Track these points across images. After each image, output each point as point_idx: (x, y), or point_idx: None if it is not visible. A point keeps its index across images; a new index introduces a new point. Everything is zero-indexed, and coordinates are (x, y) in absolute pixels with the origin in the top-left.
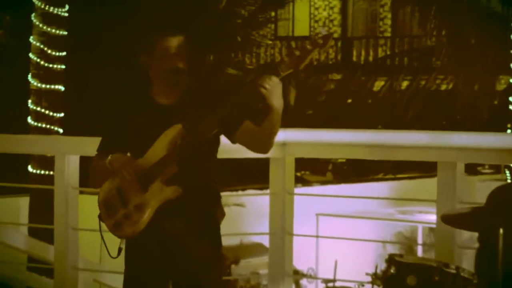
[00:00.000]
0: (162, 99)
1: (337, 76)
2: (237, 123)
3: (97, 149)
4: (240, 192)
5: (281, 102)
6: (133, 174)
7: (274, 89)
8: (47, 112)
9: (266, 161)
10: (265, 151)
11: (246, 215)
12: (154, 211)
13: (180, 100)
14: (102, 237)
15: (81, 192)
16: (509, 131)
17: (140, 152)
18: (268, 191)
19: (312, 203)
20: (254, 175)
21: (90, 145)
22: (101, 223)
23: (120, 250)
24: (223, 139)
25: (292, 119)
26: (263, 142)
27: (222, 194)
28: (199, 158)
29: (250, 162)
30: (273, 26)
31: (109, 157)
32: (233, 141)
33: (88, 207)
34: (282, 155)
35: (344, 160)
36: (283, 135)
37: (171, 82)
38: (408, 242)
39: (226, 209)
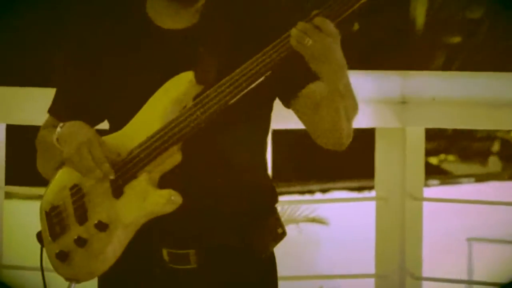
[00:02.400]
0: (166, 21)
1: None
2: (300, 79)
3: (49, 109)
4: (317, 197)
5: (339, 69)
6: (99, 163)
7: (322, 47)
8: None
9: (365, 138)
10: (334, 144)
11: (328, 239)
12: (135, 233)
13: (197, 24)
14: (43, 277)
15: (8, 196)
16: None
17: (119, 121)
18: (370, 194)
19: (460, 218)
20: (342, 164)
21: (30, 102)
22: (43, 249)
23: None
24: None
25: (416, 55)
26: (328, 129)
27: (282, 199)
28: (229, 137)
29: None
30: None
31: (58, 128)
32: (290, 107)
33: (19, 220)
34: (399, 123)
35: None
36: (400, 84)
37: None
38: None
39: (291, 228)
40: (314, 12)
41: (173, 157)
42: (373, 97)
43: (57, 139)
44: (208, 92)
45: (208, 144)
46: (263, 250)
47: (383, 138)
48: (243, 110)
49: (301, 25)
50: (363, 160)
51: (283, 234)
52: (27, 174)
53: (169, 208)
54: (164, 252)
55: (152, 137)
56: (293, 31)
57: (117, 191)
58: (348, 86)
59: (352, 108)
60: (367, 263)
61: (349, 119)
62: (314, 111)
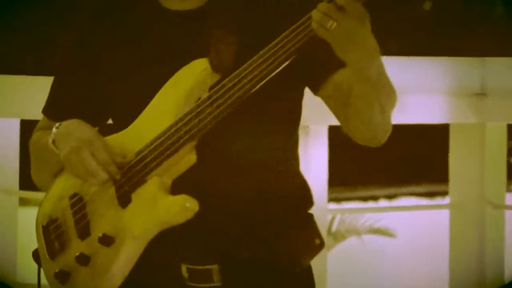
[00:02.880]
0: (174, 2)
1: None
2: (329, 63)
3: (43, 109)
4: (382, 204)
5: (368, 56)
6: (103, 165)
7: (348, 31)
8: None
9: (437, 136)
10: (369, 140)
11: (395, 253)
12: (146, 247)
13: (209, 2)
14: None
15: (23, 203)
16: None
17: (124, 118)
18: (443, 200)
19: None
20: (410, 166)
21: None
22: (40, 268)
23: None
24: None
25: (498, 38)
26: (361, 123)
27: (341, 207)
28: (252, 131)
29: (396, 135)
30: None
31: (54, 129)
32: (317, 93)
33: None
34: (477, 119)
35: None
36: (479, 72)
37: None
38: None
39: (352, 240)
40: None
41: (186, 158)
42: (447, 88)
43: (53, 141)
44: (224, 81)
45: (227, 141)
46: (296, 263)
47: (458, 135)
48: (266, 98)
49: (323, 6)
50: (435, 161)
51: (321, 245)
52: None
53: (183, 217)
54: (183, 268)
55: (162, 135)
56: (314, 13)
57: (124, 199)
58: (381, 74)
59: (388, 99)
60: (440, 280)
61: (385, 112)
62: (345, 102)
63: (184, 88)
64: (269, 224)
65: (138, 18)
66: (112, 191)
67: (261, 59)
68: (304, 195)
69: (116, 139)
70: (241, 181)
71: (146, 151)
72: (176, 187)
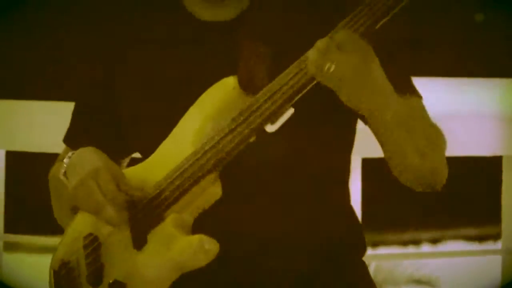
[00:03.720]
0: (206, 12)
1: None
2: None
3: (64, 137)
4: (425, 250)
5: (378, 98)
6: (109, 198)
7: (349, 72)
8: None
9: (489, 170)
10: (417, 185)
11: None
12: None
13: (245, 13)
14: None
15: (8, 248)
16: None
17: (150, 145)
18: (495, 245)
19: None
20: (457, 205)
21: (34, 122)
22: None
23: None
24: None
25: None
26: (397, 166)
27: (377, 252)
28: (288, 157)
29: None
30: None
31: (66, 159)
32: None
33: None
34: None
35: None
36: None
37: None
38: None
39: None
40: (341, 24)
41: (209, 191)
42: (498, 113)
43: (65, 172)
44: (250, 101)
45: (260, 170)
46: None
47: None
48: (309, 115)
49: (319, 44)
50: (486, 199)
51: None
52: (34, 219)
53: (201, 260)
54: None
55: (182, 165)
56: (310, 54)
57: (139, 240)
58: (405, 116)
59: (428, 141)
60: None
61: (426, 155)
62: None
63: (210, 111)
64: (313, 275)
65: (165, 31)
66: (127, 230)
67: (269, 94)
68: (356, 238)
69: (136, 170)
70: (279, 220)
71: (165, 184)
72: (200, 226)
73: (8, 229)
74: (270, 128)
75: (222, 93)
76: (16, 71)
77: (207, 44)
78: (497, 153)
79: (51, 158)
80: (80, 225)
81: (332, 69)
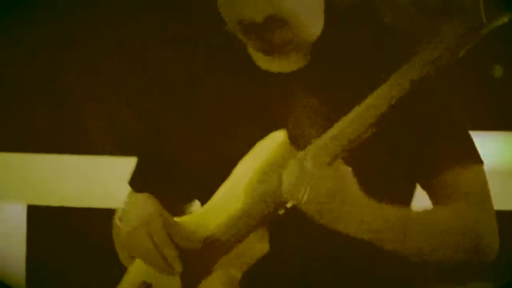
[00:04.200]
0: (269, 64)
1: None
2: (443, 156)
3: (130, 180)
4: None
5: (361, 216)
6: (161, 249)
7: (323, 196)
8: None
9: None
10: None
11: None
12: None
13: (307, 67)
14: None
15: None
16: None
17: (205, 194)
18: None
19: None
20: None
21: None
22: None
23: None
24: None
25: None
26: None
27: None
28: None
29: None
30: None
31: (123, 204)
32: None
33: None
34: None
35: None
36: None
37: (262, 45)
38: None
39: None
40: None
41: (256, 248)
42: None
43: (120, 218)
44: (313, 148)
45: (311, 225)
46: None
47: None
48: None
49: (289, 170)
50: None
51: None
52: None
53: None
54: None
55: (230, 220)
56: (285, 185)
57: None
58: (396, 229)
59: (433, 245)
60: None
61: (431, 256)
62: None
63: (259, 165)
64: None
65: (231, 82)
66: (178, 281)
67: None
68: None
69: (192, 218)
70: (331, 277)
71: (214, 237)
72: (249, 281)
73: (30, 284)
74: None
75: (272, 147)
76: (32, 124)
77: (269, 91)
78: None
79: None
80: (135, 271)
81: (305, 198)
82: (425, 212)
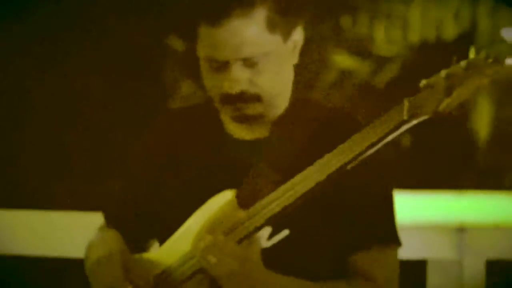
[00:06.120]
0: (238, 131)
1: None
2: (365, 233)
3: (104, 213)
4: None
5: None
6: (116, 285)
7: (226, 272)
8: None
9: (414, 272)
10: None
11: None
12: None
13: (267, 138)
14: None
15: None
16: None
17: (164, 236)
18: None
19: None
20: None
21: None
22: None
23: None
24: None
25: (480, 172)
26: None
27: None
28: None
29: None
30: None
31: (92, 237)
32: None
33: None
34: (456, 254)
35: None
36: (457, 207)
37: (237, 115)
38: None
39: None
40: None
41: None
42: (425, 222)
43: (88, 249)
44: (241, 216)
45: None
46: None
47: (436, 271)
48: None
49: (206, 240)
50: None
51: None
52: None
53: None
54: None
55: (176, 263)
56: (199, 247)
57: None
58: None
59: None
60: None
61: None
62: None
63: (207, 217)
64: None
65: (201, 146)
66: None
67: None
68: None
69: (147, 257)
70: None
71: (163, 276)
72: None
73: None
74: (266, 243)
75: (220, 203)
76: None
77: (229, 159)
78: (422, 257)
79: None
80: None
81: (213, 261)
82: (328, 287)
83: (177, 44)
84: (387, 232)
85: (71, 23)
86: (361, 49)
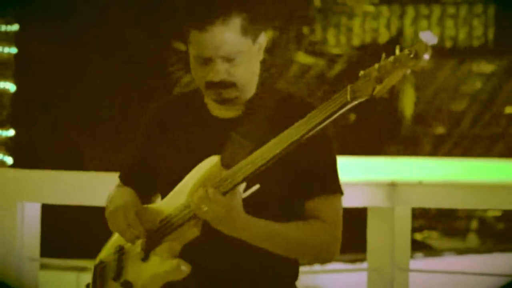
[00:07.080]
0: (218, 111)
1: (488, 68)
2: (316, 185)
3: (119, 174)
4: (316, 268)
5: (236, 233)
6: (132, 226)
7: (215, 216)
8: None
9: (359, 215)
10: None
11: None
12: None
13: (240, 116)
14: None
15: (44, 267)
16: None
17: (166, 190)
18: (363, 265)
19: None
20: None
21: (61, 183)
22: None
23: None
24: None
25: (407, 141)
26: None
27: None
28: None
29: None
30: None
31: (110, 193)
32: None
33: None
34: (389, 203)
35: (500, 214)
36: (390, 168)
37: (218, 98)
38: None
39: None
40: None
41: (190, 231)
42: (366, 179)
43: (108, 201)
44: (224, 175)
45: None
46: None
47: (374, 216)
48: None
49: (199, 193)
50: (357, 235)
51: None
52: (62, 248)
53: (177, 275)
54: None
55: (176, 210)
56: (193, 199)
57: (145, 255)
58: (265, 238)
59: (295, 248)
60: None
61: (293, 255)
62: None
63: (198, 177)
64: None
65: (190, 122)
66: (139, 247)
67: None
68: (292, 268)
69: (153, 207)
70: (235, 253)
71: (165, 221)
72: (186, 252)
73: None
74: (242, 195)
75: (207, 167)
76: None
77: (215, 130)
78: (364, 205)
79: None
80: (115, 238)
81: (205, 209)
82: (290, 226)
83: (180, 46)
84: (332, 184)
85: (98, 33)
86: (316, 50)
